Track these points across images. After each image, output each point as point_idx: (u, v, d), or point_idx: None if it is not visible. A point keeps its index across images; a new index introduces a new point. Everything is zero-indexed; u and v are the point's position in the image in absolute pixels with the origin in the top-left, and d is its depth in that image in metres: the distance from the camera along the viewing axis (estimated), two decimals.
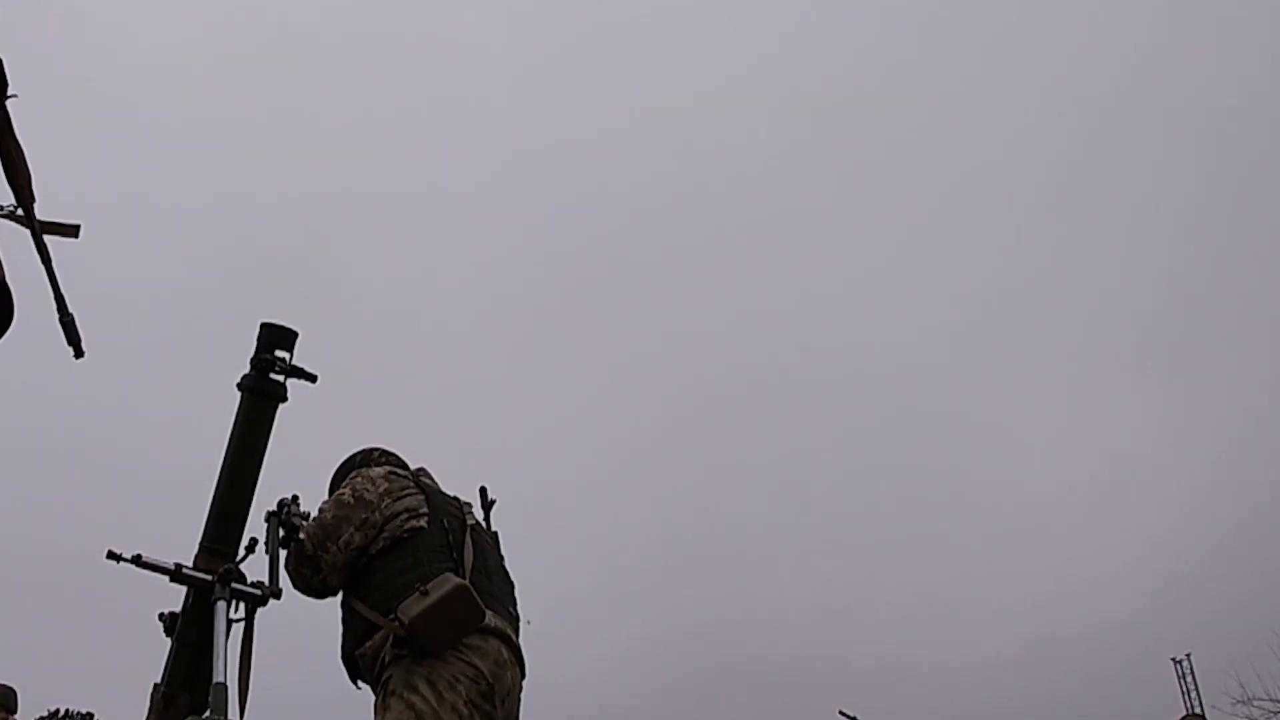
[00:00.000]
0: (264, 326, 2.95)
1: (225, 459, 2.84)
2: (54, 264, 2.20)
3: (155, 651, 2.62)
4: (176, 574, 2.58)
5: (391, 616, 2.87)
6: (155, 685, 2.55)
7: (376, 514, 3.09)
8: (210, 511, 2.76)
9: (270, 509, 3.04)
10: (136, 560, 2.53)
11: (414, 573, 2.96)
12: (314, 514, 3.16)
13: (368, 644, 2.96)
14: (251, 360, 2.93)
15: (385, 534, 3.07)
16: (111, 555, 2.55)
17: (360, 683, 3.09)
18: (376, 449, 3.49)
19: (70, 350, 2.19)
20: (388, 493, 3.15)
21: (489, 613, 2.97)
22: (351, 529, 3.04)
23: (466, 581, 2.92)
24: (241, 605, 2.65)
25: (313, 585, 3.05)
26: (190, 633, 2.55)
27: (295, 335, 2.95)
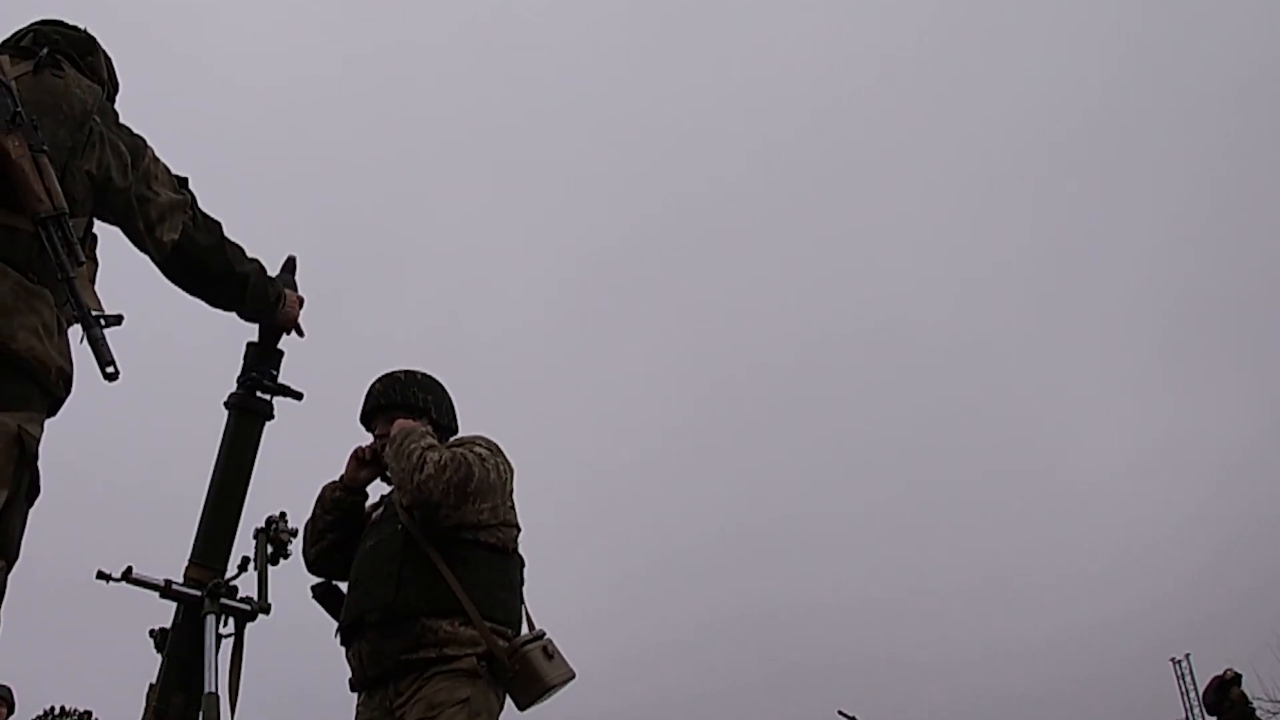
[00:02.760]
0: (250, 346, 3.01)
1: (213, 476, 2.89)
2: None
3: (152, 652, 2.67)
4: (166, 589, 2.62)
5: (509, 638, 2.99)
6: (150, 685, 2.58)
7: (501, 512, 3.17)
8: (199, 528, 2.80)
9: (259, 526, 3.07)
10: (126, 576, 2.57)
11: (508, 594, 3.08)
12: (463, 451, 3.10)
13: (442, 623, 2.95)
14: (238, 379, 2.98)
15: (496, 532, 3.13)
16: (101, 575, 2.58)
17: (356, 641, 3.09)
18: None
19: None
20: (511, 494, 3.25)
21: None
22: (483, 503, 3.09)
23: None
24: (231, 621, 2.69)
25: (426, 488, 2.99)
26: (180, 647, 2.59)
27: (281, 354, 3.01)
